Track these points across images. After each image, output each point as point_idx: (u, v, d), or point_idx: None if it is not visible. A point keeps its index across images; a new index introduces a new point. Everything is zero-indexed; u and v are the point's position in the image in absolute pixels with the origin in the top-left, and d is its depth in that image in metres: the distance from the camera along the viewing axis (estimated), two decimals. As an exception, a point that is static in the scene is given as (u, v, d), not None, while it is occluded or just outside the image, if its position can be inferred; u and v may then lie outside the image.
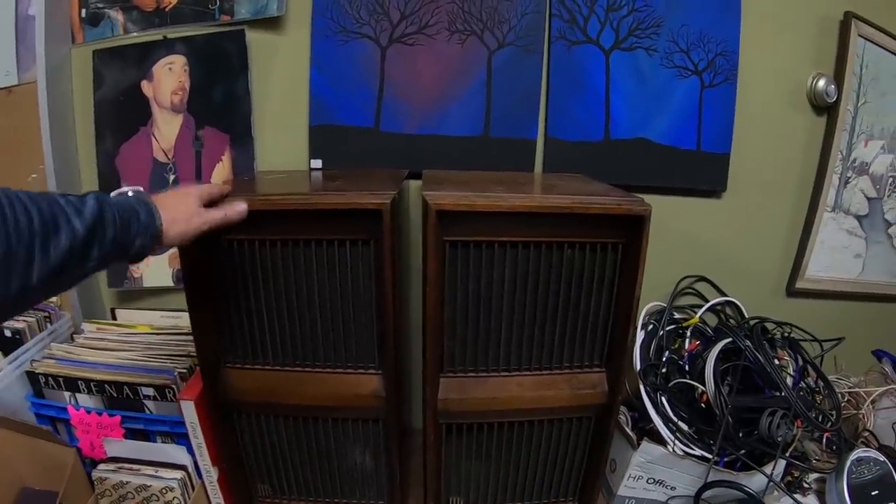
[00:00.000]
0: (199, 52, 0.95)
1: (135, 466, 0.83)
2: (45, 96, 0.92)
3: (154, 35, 0.95)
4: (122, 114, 0.97)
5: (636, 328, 0.96)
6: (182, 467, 0.83)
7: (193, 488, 0.83)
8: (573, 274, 0.71)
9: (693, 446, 0.86)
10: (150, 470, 0.82)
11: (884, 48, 1.08)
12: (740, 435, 0.85)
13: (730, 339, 0.91)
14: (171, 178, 0.99)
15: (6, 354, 0.87)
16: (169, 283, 1.02)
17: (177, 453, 0.83)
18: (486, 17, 0.93)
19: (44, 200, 0.45)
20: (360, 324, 0.73)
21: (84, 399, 0.85)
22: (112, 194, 0.56)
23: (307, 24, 0.93)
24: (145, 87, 0.96)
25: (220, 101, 0.97)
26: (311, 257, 0.70)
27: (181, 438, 0.84)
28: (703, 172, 1.02)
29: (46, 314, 0.97)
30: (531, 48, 0.94)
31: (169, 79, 0.96)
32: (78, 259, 0.47)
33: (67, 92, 0.97)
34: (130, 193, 0.57)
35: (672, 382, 0.91)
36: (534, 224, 0.68)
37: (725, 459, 0.88)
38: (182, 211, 0.58)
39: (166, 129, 0.98)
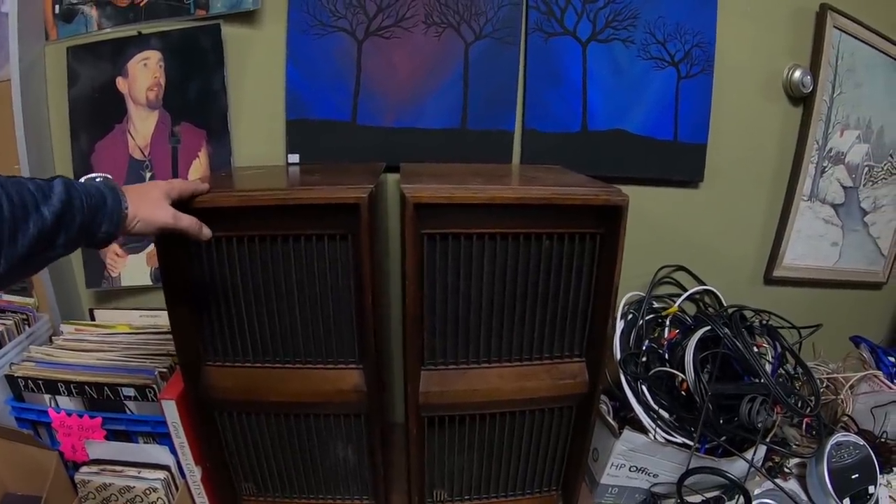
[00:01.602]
0: (175, 47, 0.94)
1: (118, 468, 0.82)
2: (18, 94, 0.90)
3: (129, 31, 0.93)
4: (97, 111, 0.95)
5: (615, 318, 0.96)
6: (165, 467, 0.82)
7: (177, 488, 0.83)
8: (552, 265, 0.72)
9: (674, 434, 0.87)
10: (132, 471, 0.82)
11: (859, 39, 1.09)
12: (721, 422, 0.86)
13: (709, 328, 0.92)
14: (148, 175, 0.98)
15: (-16, 358, 0.86)
16: (147, 282, 1.01)
17: (159, 454, 0.82)
18: (463, 10, 0.92)
19: (12, 186, 0.44)
20: (339, 319, 0.73)
21: (65, 401, 0.84)
22: (81, 179, 0.55)
23: (283, 17, 0.93)
24: (120, 83, 0.95)
25: (196, 97, 0.96)
26: (290, 253, 0.70)
27: (163, 438, 0.83)
28: (680, 163, 1.03)
29: (24, 316, 0.95)
30: (508, 40, 0.94)
31: (144, 75, 0.94)
32: (45, 246, 0.47)
33: (41, 90, 0.96)
34: (98, 179, 0.56)
35: (652, 371, 0.91)
36: (512, 215, 0.68)
37: (707, 446, 0.89)
38: (148, 201, 0.58)
39: (142, 126, 0.96)
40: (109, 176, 0.58)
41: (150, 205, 0.58)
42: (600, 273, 0.73)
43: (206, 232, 0.64)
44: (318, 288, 0.72)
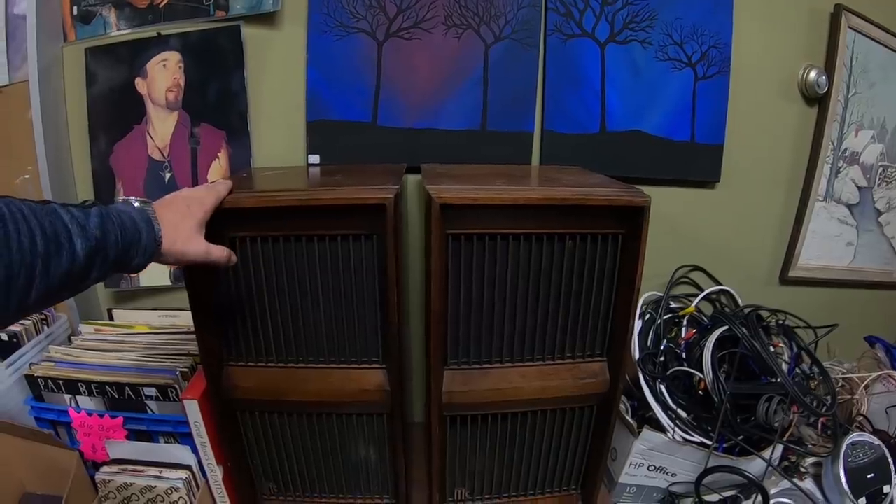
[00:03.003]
0: (194, 48, 0.94)
1: (139, 468, 0.83)
2: (37, 96, 0.90)
3: (147, 32, 0.93)
4: (116, 112, 0.96)
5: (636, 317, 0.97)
6: (186, 467, 0.82)
7: (198, 488, 0.83)
8: (574, 265, 0.72)
9: (692, 433, 0.87)
10: (154, 471, 0.82)
11: (873, 39, 1.09)
12: (738, 421, 0.87)
13: (726, 328, 0.92)
14: (167, 176, 0.98)
15: (4, 358, 0.86)
16: (166, 282, 1.01)
17: (181, 453, 0.82)
18: (483, 12, 0.93)
19: (46, 216, 0.42)
20: (363, 318, 0.73)
21: (85, 401, 0.85)
22: (118, 199, 0.55)
23: (303, 19, 0.93)
24: (139, 84, 0.95)
25: (216, 98, 0.96)
26: (314, 253, 0.70)
27: (185, 438, 0.84)
28: (697, 163, 1.04)
29: (43, 317, 0.96)
30: (527, 42, 0.95)
31: (163, 76, 0.95)
32: (77, 279, 0.46)
33: (60, 91, 0.96)
34: (136, 204, 0.55)
35: (670, 370, 0.92)
36: (536, 216, 0.68)
37: (724, 445, 0.89)
38: (183, 232, 0.57)
39: (161, 127, 0.97)
40: (147, 200, 0.56)
41: (184, 237, 0.57)
42: (622, 273, 0.73)
43: (234, 259, 0.65)
44: (341, 288, 0.72)
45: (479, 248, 0.70)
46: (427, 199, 0.67)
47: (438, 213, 0.66)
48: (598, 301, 0.75)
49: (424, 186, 0.69)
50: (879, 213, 1.19)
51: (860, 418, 1.04)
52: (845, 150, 1.12)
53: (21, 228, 0.40)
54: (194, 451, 0.82)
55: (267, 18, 0.93)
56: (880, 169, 1.16)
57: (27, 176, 0.95)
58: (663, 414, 0.89)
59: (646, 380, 0.91)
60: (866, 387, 1.05)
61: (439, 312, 0.71)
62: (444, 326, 0.73)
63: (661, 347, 0.95)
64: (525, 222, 0.69)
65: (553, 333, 0.76)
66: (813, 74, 1.06)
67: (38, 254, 0.41)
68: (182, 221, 0.58)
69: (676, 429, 0.87)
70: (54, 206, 0.45)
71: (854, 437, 0.94)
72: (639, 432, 0.87)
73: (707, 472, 0.87)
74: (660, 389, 0.90)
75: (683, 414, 0.89)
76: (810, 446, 0.98)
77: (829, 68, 1.07)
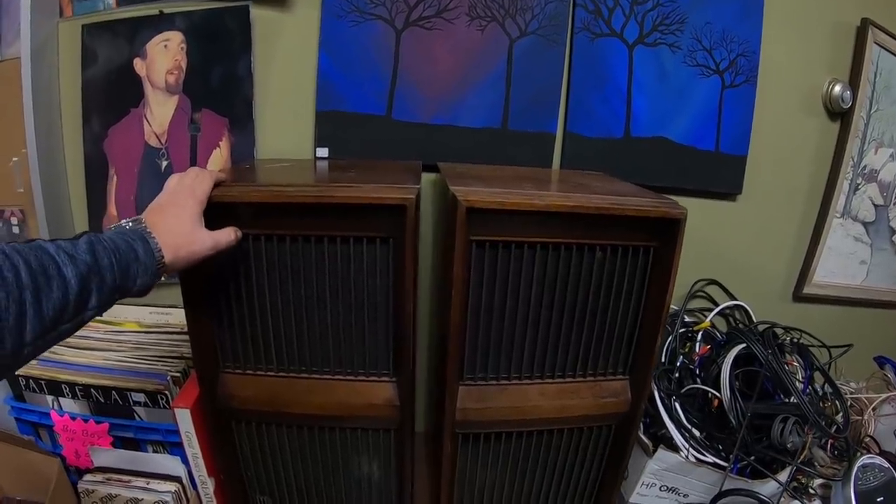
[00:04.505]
0: (198, 28, 0.88)
1: (124, 478, 0.77)
2: (28, 73, 0.84)
3: (149, 9, 0.87)
4: (112, 94, 0.90)
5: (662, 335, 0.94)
6: (176, 479, 0.77)
7: (188, 501, 0.78)
8: (602, 278, 0.68)
9: (705, 452, 0.85)
10: (141, 481, 0.77)
11: (897, 57, 1.08)
12: (752, 441, 0.84)
13: (744, 345, 0.90)
14: (164, 163, 0.92)
15: (-20, 354, 0.80)
16: (159, 277, 0.95)
17: (170, 464, 0.77)
18: (509, 4, 0.88)
19: (30, 252, 0.41)
20: (374, 327, 0.68)
21: (68, 404, 0.79)
22: (110, 227, 0.52)
23: (317, 2, 0.87)
24: (138, 65, 0.89)
25: (220, 83, 0.90)
26: (323, 255, 0.65)
27: (175, 448, 0.78)
28: (720, 174, 1.01)
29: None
30: (554, 38, 0.90)
31: (164, 57, 0.89)
32: (74, 310, 0.43)
33: (53, 69, 0.90)
34: (128, 226, 0.52)
35: (685, 388, 0.89)
36: (564, 225, 0.64)
37: (738, 466, 0.86)
38: (183, 236, 0.54)
39: (160, 112, 0.90)
40: (139, 218, 0.53)
41: (187, 241, 0.54)
42: (651, 288, 0.70)
43: (240, 234, 0.61)
44: (352, 294, 0.67)
45: (503, 257, 0.65)
46: (451, 202, 0.63)
47: (464, 217, 0.61)
48: (624, 317, 0.71)
49: (448, 188, 0.65)
50: (894, 231, 1.17)
51: (868, 439, 1.02)
52: (864, 166, 1.11)
53: (3, 265, 0.38)
54: (185, 461, 0.77)
55: None
56: (897, 187, 1.15)
57: (16, 159, 0.89)
58: (677, 433, 0.86)
59: (661, 397, 0.88)
60: (874, 408, 1.04)
61: (459, 324, 0.66)
62: (463, 339, 0.68)
63: (678, 363, 0.92)
64: (553, 230, 0.64)
65: (576, 349, 0.72)
66: (838, 89, 1.03)
67: (24, 286, 0.39)
68: (179, 223, 0.54)
69: (691, 449, 0.84)
70: (39, 241, 0.44)
71: (865, 459, 0.92)
72: (654, 452, 0.84)
73: (721, 494, 0.84)
74: (674, 407, 0.87)
75: (697, 433, 0.86)
76: (820, 468, 0.97)
77: (853, 83, 1.05)
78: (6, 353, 0.38)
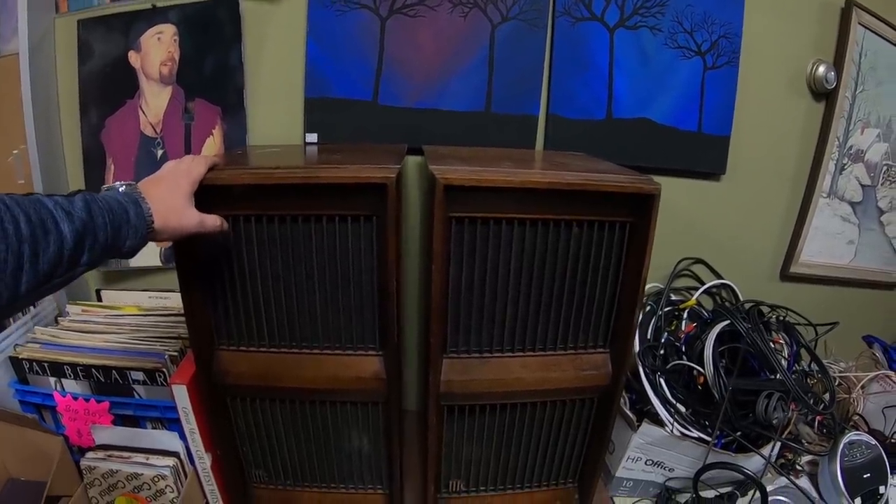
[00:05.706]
0: (190, 20, 0.91)
1: (125, 454, 0.80)
2: (27, 68, 0.87)
3: (142, 3, 0.90)
4: (108, 86, 0.92)
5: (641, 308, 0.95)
6: (174, 454, 0.80)
7: (186, 475, 0.81)
8: (580, 253, 0.70)
9: (690, 428, 0.86)
10: (140, 457, 0.80)
11: (882, 37, 1.08)
12: (736, 417, 0.85)
13: (727, 322, 0.91)
14: (160, 152, 0.95)
15: (-13, 339, 0.83)
16: (157, 262, 0.98)
17: (168, 440, 0.80)
18: (490, -10, 0.90)
19: (30, 205, 0.42)
20: (360, 303, 0.71)
21: (70, 385, 0.82)
22: (103, 188, 0.54)
23: (304, -7, 0.90)
24: (132, 57, 0.92)
25: (212, 73, 0.93)
26: (310, 234, 0.68)
27: (172, 424, 0.81)
28: (703, 154, 1.02)
29: (28, 296, 0.92)
30: (535, 23, 0.92)
31: (158, 49, 0.91)
32: (67, 265, 0.45)
33: (51, 64, 0.92)
34: (122, 189, 0.54)
35: (670, 364, 0.90)
36: (541, 201, 0.66)
37: (722, 441, 0.88)
38: (173, 210, 0.56)
39: (154, 102, 0.93)
40: (133, 182, 0.56)
41: (176, 214, 0.56)
42: (628, 263, 0.72)
43: (226, 226, 0.64)
44: (339, 271, 0.69)
45: (482, 233, 0.68)
46: (430, 181, 0.65)
47: (442, 194, 0.63)
48: (602, 290, 0.73)
49: (428, 167, 0.67)
50: (882, 212, 1.18)
51: (856, 417, 1.03)
52: (850, 147, 1.11)
53: (4, 216, 0.39)
54: (182, 437, 0.80)
55: (266, -9, 0.90)
56: (885, 168, 1.15)
57: (16, 152, 0.92)
58: (662, 408, 0.87)
59: (645, 373, 0.90)
60: (863, 386, 1.05)
61: (440, 299, 0.69)
62: (445, 313, 0.70)
63: (663, 340, 0.93)
64: (531, 207, 0.66)
65: (556, 323, 0.74)
66: (822, 69, 1.04)
67: (23, 239, 0.40)
68: (171, 196, 0.56)
69: (675, 423, 0.86)
70: (38, 195, 0.44)
71: (851, 436, 0.93)
72: (638, 426, 0.86)
73: (706, 468, 0.85)
74: (659, 383, 0.89)
75: (682, 409, 0.87)
76: (807, 444, 0.98)
77: (837, 64, 1.05)
78: (1, 305, 0.39)
